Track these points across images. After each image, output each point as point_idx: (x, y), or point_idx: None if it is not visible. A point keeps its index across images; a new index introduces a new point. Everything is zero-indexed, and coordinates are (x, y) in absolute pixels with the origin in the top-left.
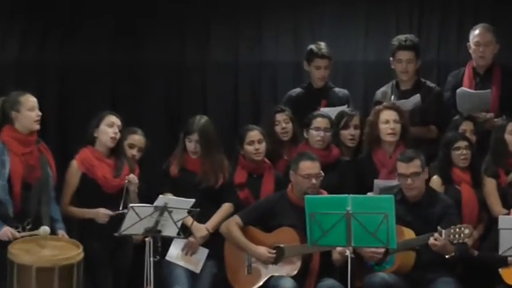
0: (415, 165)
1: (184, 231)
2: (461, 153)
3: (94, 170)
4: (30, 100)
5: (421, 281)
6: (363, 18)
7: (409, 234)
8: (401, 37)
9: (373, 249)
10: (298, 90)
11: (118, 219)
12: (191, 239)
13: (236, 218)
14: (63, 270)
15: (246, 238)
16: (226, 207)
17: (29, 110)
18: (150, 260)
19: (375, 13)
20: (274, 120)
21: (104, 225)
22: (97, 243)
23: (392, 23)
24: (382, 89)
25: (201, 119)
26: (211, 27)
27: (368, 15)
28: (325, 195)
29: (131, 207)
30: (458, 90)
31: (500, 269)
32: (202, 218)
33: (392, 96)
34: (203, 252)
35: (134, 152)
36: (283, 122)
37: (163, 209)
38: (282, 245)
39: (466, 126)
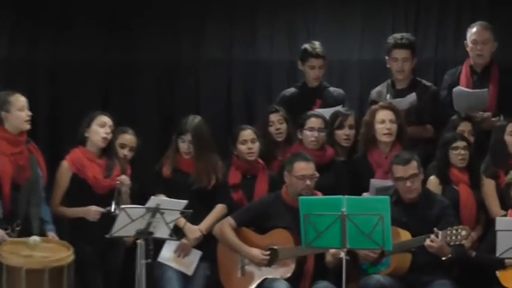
0: (413, 166)
1: (177, 232)
2: (459, 154)
3: (84, 170)
4: (20, 100)
5: (417, 284)
6: (358, 17)
7: (405, 236)
8: (397, 35)
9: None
10: (292, 90)
11: (109, 220)
12: (184, 240)
13: (229, 220)
14: (53, 272)
15: (239, 240)
16: (219, 208)
17: (19, 110)
18: (141, 263)
19: (371, 11)
20: (268, 121)
21: (95, 227)
22: (88, 245)
23: (388, 21)
24: (377, 88)
25: (195, 119)
26: (205, 26)
27: (364, 14)
28: (319, 196)
29: (122, 208)
30: (454, 89)
31: (497, 272)
32: (195, 220)
33: (388, 95)
34: (196, 254)
35: (126, 151)
36: (277, 123)
37: (155, 211)
38: (276, 247)
39: (464, 127)
